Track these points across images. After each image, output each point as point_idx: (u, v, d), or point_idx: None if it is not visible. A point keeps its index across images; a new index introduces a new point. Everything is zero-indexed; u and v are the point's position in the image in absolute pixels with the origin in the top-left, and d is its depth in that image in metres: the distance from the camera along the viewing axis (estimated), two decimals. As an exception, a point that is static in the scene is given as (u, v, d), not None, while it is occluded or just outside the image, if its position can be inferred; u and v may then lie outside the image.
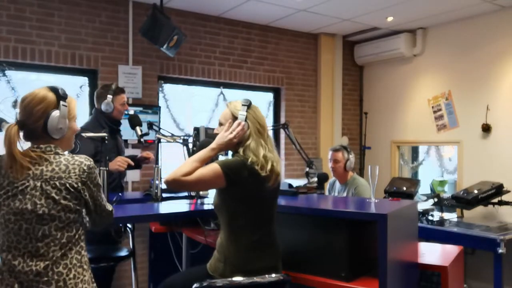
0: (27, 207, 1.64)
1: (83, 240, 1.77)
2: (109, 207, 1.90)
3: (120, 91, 3.42)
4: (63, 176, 1.68)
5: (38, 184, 1.65)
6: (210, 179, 2.01)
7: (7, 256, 1.65)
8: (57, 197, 1.65)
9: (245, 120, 2.11)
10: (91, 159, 1.78)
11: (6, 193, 1.67)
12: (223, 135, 2.11)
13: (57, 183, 1.66)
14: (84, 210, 1.77)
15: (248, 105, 2.14)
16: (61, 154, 1.74)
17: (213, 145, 2.12)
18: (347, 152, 3.92)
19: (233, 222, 2.09)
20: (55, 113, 1.72)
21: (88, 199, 1.75)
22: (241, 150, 2.10)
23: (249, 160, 2.04)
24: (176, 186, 2.05)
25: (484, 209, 4.26)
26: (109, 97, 3.30)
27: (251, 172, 2.03)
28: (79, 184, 1.70)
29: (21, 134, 1.72)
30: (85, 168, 1.72)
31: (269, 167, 2.04)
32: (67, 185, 1.67)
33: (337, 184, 4.07)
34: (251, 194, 2.07)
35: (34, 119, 1.72)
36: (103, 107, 3.32)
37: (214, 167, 2.01)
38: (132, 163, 3.20)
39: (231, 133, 2.09)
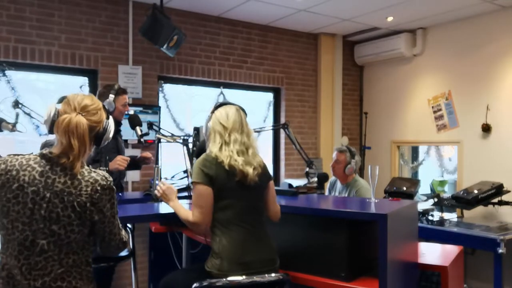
0: (36, 217, 1.55)
1: (88, 256, 1.66)
2: (124, 236, 1.74)
3: (122, 91, 3.41)
4: (73, 192, 1.56)
5: (48, 195, 1.55)
6: (203, 195, 2.10)
7: (9, 262, 1.58)
8: (61, 213, 1.55)
9: (208, 121, 2.23)
10: (110, 179, 1.65)
11: (15, 197, 1.56)
12: (163, 197, 2.32)
13: (65, 198, 1.55)
14: (87, 232, 1.62)
15: (218, 107, 2.24)
16: None
17: (168, 203, 2.31)
18: (350, 156, 3.85)
19: (220, 216, 2.13)
20: (112, 123, 1.70)
21: (96, 221, 1.61)
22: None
23: (208, 154, 2.16)
24: (196, 228, 2.18)
25: (484, 209, 4.26)
26: (111, 96, 3.29)
27: (216, 164, 2.10)
28: (88, 204, 1.57)
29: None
30: (98, 188, 1.59)
31: (227, 161, 2.10)
32: (75, 203, 1.55)
33: (338, 184, 4.06)
34: (230, 185, 2.11)
35: (97, 120, 1.66)
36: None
37: (194, 187, 2.13)
38: (129, 159, 3.19)
39: (159, 191, 2.33)
